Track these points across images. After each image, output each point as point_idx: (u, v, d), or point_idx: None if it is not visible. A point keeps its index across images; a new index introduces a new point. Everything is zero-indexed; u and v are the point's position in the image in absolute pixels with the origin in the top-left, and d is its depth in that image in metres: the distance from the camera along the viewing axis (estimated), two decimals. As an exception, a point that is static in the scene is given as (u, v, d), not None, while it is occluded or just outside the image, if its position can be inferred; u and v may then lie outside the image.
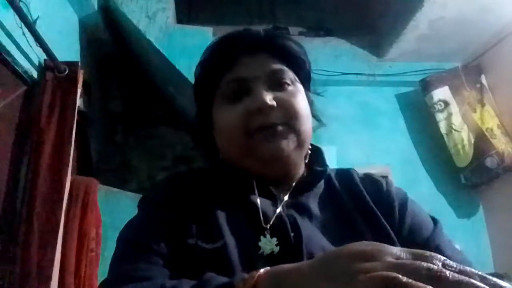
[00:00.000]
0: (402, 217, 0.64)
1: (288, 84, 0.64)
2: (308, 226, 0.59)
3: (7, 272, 1.46)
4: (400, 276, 0.28)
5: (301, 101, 0.64)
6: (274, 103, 0.60)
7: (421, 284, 0.27)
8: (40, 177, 1.56)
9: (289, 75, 0.65)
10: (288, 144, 0.61)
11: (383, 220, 0.61)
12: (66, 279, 1.64)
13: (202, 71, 0.69)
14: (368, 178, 0.69)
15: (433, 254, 0.31)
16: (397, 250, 0.33)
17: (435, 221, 0.67)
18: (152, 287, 0.49)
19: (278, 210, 0.60)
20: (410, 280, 0.28)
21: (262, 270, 0.39)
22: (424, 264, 0.30)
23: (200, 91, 0.70)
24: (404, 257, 0.32)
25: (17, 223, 1.52)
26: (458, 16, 2.36)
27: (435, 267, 0.29)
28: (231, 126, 0.62)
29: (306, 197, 0.63)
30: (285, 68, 0.65)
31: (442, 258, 0.31)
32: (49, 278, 1.46)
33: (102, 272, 1.87)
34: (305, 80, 0.69)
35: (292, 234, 0.57)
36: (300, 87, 0.66)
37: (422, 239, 0.62)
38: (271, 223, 0.58)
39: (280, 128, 0.60)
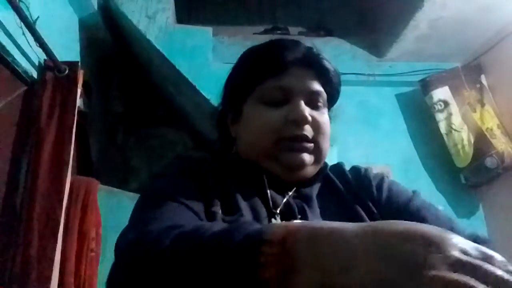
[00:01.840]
0: (379, 190, 0.71)
1: (321, 106, 0.71)
2: (313, 212, 0.66)
3: (7, 272, 1.46)
4: (472, 283, 0.26)
5: (328, 123, 0.71)
6: (310, 118, 0.66)
7: None
8: (40, 177, 1.56)
9: (324, 98, 0.71)
10: (310, 158, 0.67)
11: (369, 203, 0.68)
12: (66, 279, 1.64)
13: (248, 68, 0.73)
14: (353, 169, 0.78)
15: (495, 254, 0.30)
16: (462, 242, 0.30)
17: (414, 191, 0.72)
18: (190, 226, 0.47)
19: (285, 199, 0.66)
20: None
21: (295, 223, 0.37)
22: (492, 268, 0.28)
23: (237, 85, 0.74)
24: (471, 252, 0.29)
25: (17, 223, 1.52)
26: (458, 16, 2.36)
27: (503, 274, 0.27)
28: (265, 128, 0.67)
29: (309, 190, 0.70)
30: (323, 91, 0.71)
31: (503, 260, 0.29)
32: (49, 278, 1.46)
33: (102, 272, 1.87)
34: (334, 100, 0.77)
35: (299, 217, 0.63)
36: (326, 107, 0.73)
37: (401, 203, 0.68)
38: (280, 208, 0.65)
39: (308, 144, 0.67)
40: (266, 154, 0.68)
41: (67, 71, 1.75)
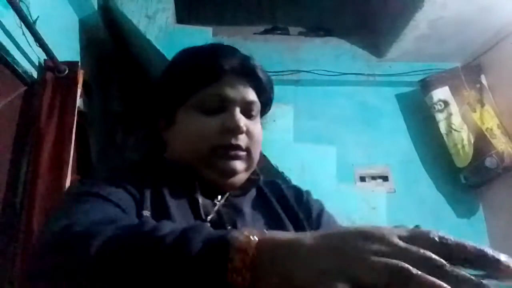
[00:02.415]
0: (319, 222, 0.73)
1: (254, 115, 0.72)
2: (243, 221, 0.67)
3: (7, 272, 1.46)
4: (411, 268, 0.29)
5: (260, 132, 0.72)
6: (245, 128, 0.68)
7: (428, 278, 0.28)
8: (40, 177, 1.56)
9: (258, 107, 0.72)
10: (242, 166, 0.69)
11: (304, 222, 0.71)
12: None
13: (184, 75, 0.71)
14: (292, 188, 0.80)
15: (430, 230, 0.32)
16: (402, 230, 0.33)
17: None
18: (131, 227, 0.43)
19: (216, 207, 0.67)
20: (419, 273, 0.29)
21: (262, 232, 0.37)
22: (429, 254, 0.30)
23: (172, 91, 0.73)
24: (408, 236, 0.32)
25: (17, 223, 1.52)
26: (458, 16, 2.36)
27: (439, 260, 0.30)
28: (201, 136, 0.67)
29: (240, 200, 0.72)
30: (257, 101, 0.72)
31: (439, 233, 0.32)
32: (49, 278, 1.46)
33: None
34: (267, 109, 0.78)
35: (229, 227, 0.64)
36: (259, 118, 0.74)
37: None
38: (210, 216, 0.66)
39: (242, 152, 0.68)
40: (201, 161, 0.68)
41: (67, 71, 1.75)
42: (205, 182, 0.68)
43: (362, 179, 2.57)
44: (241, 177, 0.71)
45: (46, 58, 1.73)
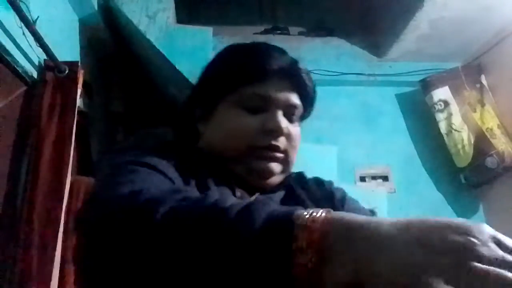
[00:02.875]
0: (341, 205, 0.72)
1: (295, 119, 0.71)
2: None
3: (7, 272, 1.46)
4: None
5: (299, 136, 0.72)
6: (286, 131, 0.67)
7: None
8: (40, 177, 1.56)
9: (299, 111, 0.72)
10: (278, 168, 0.68)
11: None
12: (66, 279, 1.64)
13: (230, 68, 0.71)
14: (315, 179, 0.78)
15: None
16: (493, 232, 0.32)
17: (373, 213, 0.73)
18: (196, 198, 0.43)
19: (252, 198, 0.65)
20: None
21: (331, 211, 0.35)
22: None
23: (216, 83, 0.72)
24: (505, 243, 0.31)
25: (17, 223, 1.52)
26: (458, 16, 2.36)
27: None
28: (240, 133, 0.67)
29: (273, 195, 0.70)
30: (300, 104, 0.71)
31: None
32: (49, 278, 1.46)
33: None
34: (308, 114, 0.77)
35: None
36: (299, 122, 0.74)
37: None
38: None
39: (279, 154, 0.68)
40: (236, 158, 0.67)
41: (67, 71, 1.75)
42: (239, 179, 0.67)
43: (363, 179, 2.57)
44: (276, 180, 0.70)
45: (46, 58, 1.73)
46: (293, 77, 0.70)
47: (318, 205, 0.70)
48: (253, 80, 0.67)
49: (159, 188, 0.46)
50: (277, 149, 0.67)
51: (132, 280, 0.41)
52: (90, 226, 0.46)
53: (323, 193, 0.74)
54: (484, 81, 2.64)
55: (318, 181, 0.78)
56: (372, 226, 0.33)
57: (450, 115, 2.58)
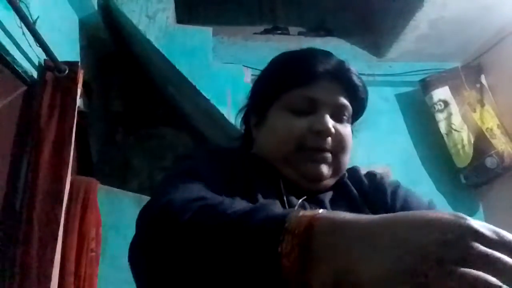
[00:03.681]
0: (393, 199, 0.71)
1: (345, 120, 0.72)
2: None
3: (7, 272, 1.46)
4: (498, 283, 0.26)
5: (350, 137, 0.72)
6: (334, 131, 0.68)
7: None
8: (40, 177, 1.56)
9: (349, 112, 0.72)
10: (328, 170, 0.68)
11: (382, 210, 0.67)
12: (66, 279, 1.64)
13: (278, 74, 0.73)
14: (368, 173, 0.79)
15: None
16: (479, 225, 0.30)
17: (431, 204, 0.72)
18: (215, 200, 0.48)
19: (300, 201, 0.66)
20: None
21: (319, 212, 0.36)
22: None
23: (265, 90, 0.75)
24: (489, 235, 0.29)
25: (17, 223, 1.52)
26: (458, 16, 2.36)
27: None
28: (288, 135, 0.68)
29: (323, 195, 0.70)
30: (349, 105, 0.72)
31: None
32: (49, 278, 1.46)
33: (102, 272, 1.87)
34: (358, 115, 0.78)
35: None
36: (350, 121, 0.74)
37: None
38: (295, 208, 0.64)
39: (328, 155, 0.68)
40: (285, 161, 0.68)
41: (67, 71, 1.75)
42: (289, 183, 0.68)
43: (362, 179, 2.57)
44: (327, 183, 0.70)
45: (46, 58, 1.73)
46: (341, 78, 0.70)
47: (369, 199, 0.70)
48: (300, 84, 0.69)
49: (190, 196, 0.51)
50: (325, 150, 0.68)
51: (168, 278, 0.47)
52: (139, 230, 0.54)
53: (375, 187, 0.74)
54: (484, 81, 2.64)
55: (372, 175, 0.78)
56: (356, 227, 0.33)
57: (450, 115, 2.58)
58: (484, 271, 0.27)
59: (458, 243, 0.28)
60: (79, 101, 1.79)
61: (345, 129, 0.71)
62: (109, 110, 2.89)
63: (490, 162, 2.44)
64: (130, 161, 2.84)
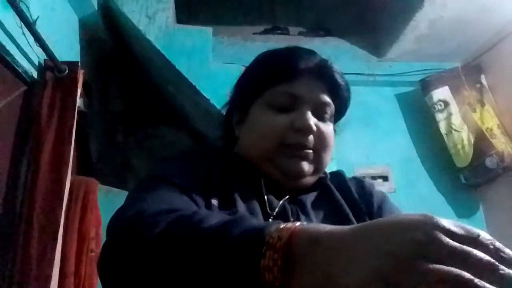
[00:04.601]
0: (380, 209, 0.72)
1: (327, 118, 0.71)
2: (307, 217, 0.66)
3: (7, 272, 1.46)
4: (465, 275, 0.26)
5: (331, 135, 0.71)
6: (315, 128, 0.67)
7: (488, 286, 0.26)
8: (40, 177, 1.56)
9: (331, 110, 0.72)
10: (309, 168, 0.68)
11: (366, 216, 0.69)
12: (66, 279, 1.64)
13: (260, 71, 0.73)
14: (355, 179, 0.78)
15: (483, 234, 0.30)
16: (446, 223, 0.29)
17: None
18: (187, 212, 0.47)
19: (281, 202, 0.66)
20: (483, 284, 0.26)
21: (301, 223, 0.36)
22: (480, 254, 0.28)
23: (247, 87, 0.75)
24: (457, 232, 0.29)
25: (17, 223, 1.52)
26: (458, 16, 2.36)
27: (489, 259, 0.28)
28: (269, 132, 0.67)
29: (305, 196, 0.70)
30: (331, 103, 0.71)
31: (492, 240, 0.29)
32: (49, 278, 1.46)
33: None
34: (341, 114, 0.78)
35: (292, 221, 0.62)
36: (332, 120, 0.73)
37: None
38: (276, 211, 0.65)
39: (309, 152, 0.67)
40: (266, 158, 0.68)
41: (67, 71, 1.75)
42: (271, 181, 0.68)
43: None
44: (308, 180, 0.70)
45: (46, 58, 1.73)
46: (324, 76, 0.70)
47: (355, 206, 0.70)
48: (282, 80, 0.69)
49: (162, 208, 0.49)
50: (306, 147, 0.67)
51: None
52: (108, 241, 0.51)
53: (362, 194, 0.73)
54: (483, 81, 2.64)
55: (359, 182, 0.77)
56: (334, 239, 0.33)
57: (449, 115, 2.58)
58: (456, 266, 0.27)
59: (428, 242, 0.28)
60: (79, 101, 1.79)
61: (327, 127, 0.71)
62: (109, 110, 2.89)
63: (490, 162, 2.44)
64: (130, 161, 2.84)
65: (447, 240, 0.28)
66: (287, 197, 0.68)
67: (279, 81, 0.69)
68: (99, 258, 0.50)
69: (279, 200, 0.67)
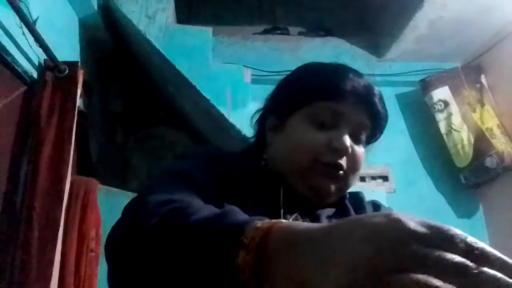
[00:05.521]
0: None
1: (362, 140, 0.71)
2: None
3: (7, 272, 1.46)
4: (434, 282, 0.25)
5: (363, 159, 0.71)
6: (351, 150, 0.67)
7: None
8: (40, 177, 1.56)
9: (367, 134, 0.72)
10: (336, 188, 0.68)
11: None
12: (66, 279, 1.64)
13: (307, 84, 0.72)
14: (371, 203, 0.78)
15: (454, 231, 0.27)
16: (414, 225, 0.27)
17: None
18: (179, 208, 0.48)
19: (294, 215, 0.66)
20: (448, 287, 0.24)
21: (277, 222, 0.36)
22: (450, 257, 0.26)
23: (291, 96, 0.73)
24: (426, 234, 0.27)
25: (17, 223, 1.52)
26: (458, 16, 2.36)
27: (461, 261, 0.26)
28: (305, 147, 0.67)
29: (320, 211, 0.70)
30: (369, 125, 0.71)
31: (464, 236, 0.27)
32: (49, 278, 1.46)
33: (102, 272, 1.87)
34: (375, 139, 0.77)
35: None
36: (365, 146, 0.73)
37: None
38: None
39: (340, 173, 0.67)
40: (297, 172, 0.68)
41: (67, 71, 1.75)
42: (292, 193, 0.68)
43: (362, 179, 2.57)
44: (332, 199, 0.70)
45: (46, 58, 1.73)
46: (366, 99, 0.70)
47: None
48: (327, 97, 0.69)
49: (159, 199, 0.51)
50: (339, 167, 0.67)
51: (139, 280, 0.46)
52: (116, 226, 0.55)
53: None
54: (483, 81, 2.64)
55: (375, 205, 0.77)
56: (309, 239, 0.32)
57: (449, 115, 2.58)
58: (425, 273, 0.25)
59: (393, 249, 0.26)
60: (79, 101, 1.79)
61: (360, 150, 0.71)
62: (109, 110, 2.89)
63: (490, 162, 2.44)
64: (130, 161, 2.84)
65: (413, 247, 0.26)
66: (300, 210, 0.68)
67: (324, 98, 0.69)
68: (106, 242, 0.54)
69: (294, 210, 0.67)
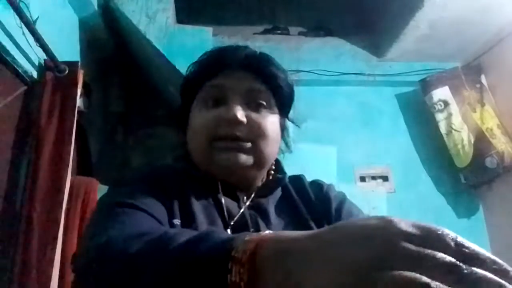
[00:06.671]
0: (338, 212, 0.71)
1: (264, 107, 0.69)
2: (267, 224, 0.66)
3: (7, 272, 1.46)
4: (425, 279, 0.24)
5: (271, 124, 0.68)
6: (245, 120, 0.65)
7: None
8: (40, 177, 1.56)
9: (266, 97, 0.69)
10: (247, 159, 0.66)
11: (324, 219, 0.69)
12: (66, 279, 1.64)
13: (190, 75, 0.74)
14: (314, 183, 0.77)
15: (444, 232, 0.28)
16: (403, 225, 0.28)
17: None
18: (156, 234, 0.46)
19: (241, 210, 0.66)
20: (439, 286, 0.24)
21: (266, 234, 0.35)
22: (440, 256, 0.26)
23: (183, 92, 0.75)
24: (416, 234, 0.27)
25: (17, 223, 1.52)
26: (458, 16, 2.36)
27: (454, 262, 0.26)
28: (201, 129, 0.67)
29: (266, 201, 0.70)
30: (263, 89, 0.69)
31: (454, 236, 0.27)
32: (49, 278, 1.46)
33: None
34: (284, 105, 0.74)
35: (252, 230, 0.63)
36: (275, 111, 0.71)
37: None
38: (234, 219, 0.65)
39: (243, 143, 0.66)
40: (204, 157, 0.68)
41: (67, 71, 1.75)
42: (227, 184, 0.67)
43: (362, 179, 2.57)
44: (250, 173, 0.68)
45: (46, 58, 1.73)
46: (252, 66, 0.69)
47: (313, 209, 0.70)
48: (210, 75, 0.69)
49: (131, 233, 0.49)
50: (238, 138, 0.65)
51: None
52: (77, 270, 0.51)
53: (320, 197, 0.73)
54: (484, 81, 2.64)
55: (317, 185, 0.77)
56: (299, 249, 0.32)
57: (450, 115, 2.58)
58: (416, 271, 0.25)
59: (384, 248, 0.27)
60: (79, 101, 1.79)
61: (263, 117, 0.68)
62: (108, 110, 2.89)
63: (490, 162, 2.44)
64: (130, 161, 2.84)
65: (404, 245, 0.26)
66: (247, 202, 0.67)
67: (207, 77, 0.69)
68: (71, 284, 0.50)
69: (239, 204, 0.67)
